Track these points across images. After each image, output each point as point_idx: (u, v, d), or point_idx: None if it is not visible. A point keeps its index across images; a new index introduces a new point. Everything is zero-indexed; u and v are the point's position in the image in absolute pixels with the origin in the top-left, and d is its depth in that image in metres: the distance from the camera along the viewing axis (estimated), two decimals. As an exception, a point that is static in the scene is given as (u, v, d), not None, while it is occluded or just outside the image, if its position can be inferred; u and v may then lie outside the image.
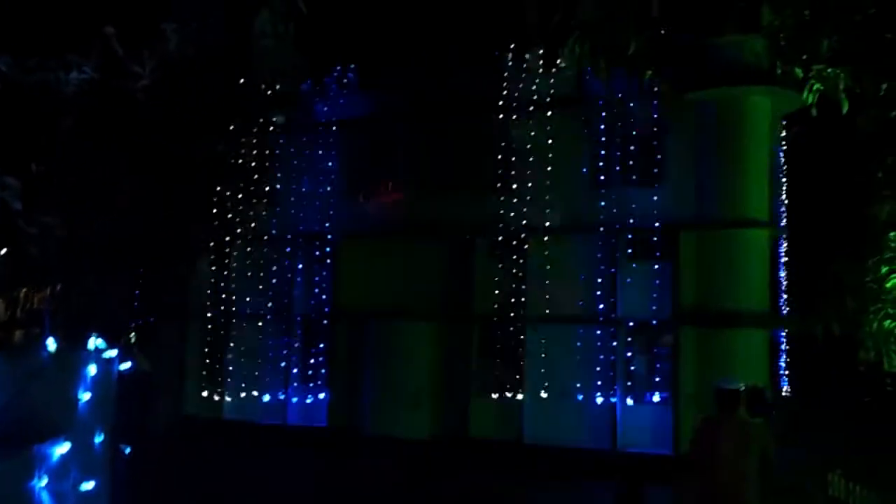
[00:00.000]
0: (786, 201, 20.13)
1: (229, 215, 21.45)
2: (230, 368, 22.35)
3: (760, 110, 18.14)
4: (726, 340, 17.70)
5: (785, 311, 19.81)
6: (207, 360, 22.48)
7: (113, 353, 6.07)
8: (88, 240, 9.15)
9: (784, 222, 19.89)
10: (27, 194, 7.68)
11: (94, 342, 5.79)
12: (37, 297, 21.01)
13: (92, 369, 5.66)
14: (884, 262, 8.21)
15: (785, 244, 20.02)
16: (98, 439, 5.84)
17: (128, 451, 6.99)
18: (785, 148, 20.29)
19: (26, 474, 4.90)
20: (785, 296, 19.92)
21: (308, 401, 21.61)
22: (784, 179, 20.21)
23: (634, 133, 18.90)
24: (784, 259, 20.00)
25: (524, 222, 19.46)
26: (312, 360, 21.79)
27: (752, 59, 17.34)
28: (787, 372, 19.90)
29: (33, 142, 8.30)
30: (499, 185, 19.82)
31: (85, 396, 5.58)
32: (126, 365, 6.68)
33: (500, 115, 19.98)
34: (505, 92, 20.01)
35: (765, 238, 18.22)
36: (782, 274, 19.89)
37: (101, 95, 8.29)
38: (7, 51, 7.80)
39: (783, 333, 19.99)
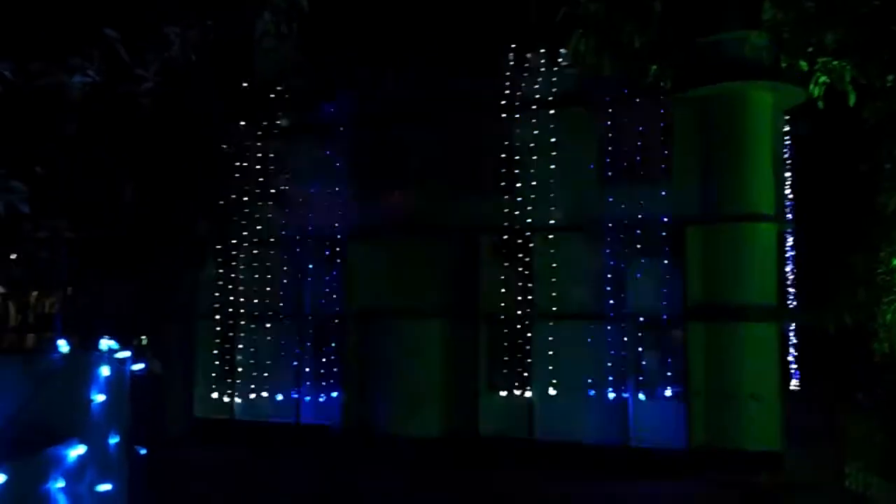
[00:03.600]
0: (792, 195, 20.09)
1: (238, 217, 21.50)
2: (241, 369, 22.41)
3: (763, 105, 18.11)
4: (735, 335, 17.70)
5: (793, 305, 19.77)
6: (218, 362, 22.56)
7: (126, 354, 6.10)
8: (96, 242, 9.19)
9: (791, 215, 19.85)
10: (34, 198, 7.68)
11: (106, 343, 5.81)
12: (47, 301, 21.12)
13: (105, 371, 5.69)
14: (894, 253, 8.18)
15: (792, 237, 19.98)
16: (113, 441, 5.87)
17: (143, 452, 7.02)
18: (790, 141, 20.24)
19: (42, 477, 4.93)
20: (793, 289, 19.88)
21: (321, 400, 21.65)
22: (790, 173, 20.17)
23: (639, 129, 18.89)
24: (792, 252, 19.95)
25: (530, 220, 19.51)
26: (324, 360, 21.83)
27: (753, 54, 17.31)
28: (796, 365, 19.86)
29: (38, 146, 8.31)
30: (504, 183, 19.86)
31: (98, 398, 5.61)
32: (139, 366, 6.72)
33: (506, 114, 20.01)
34: (509, 90, 20.03)
35: (771, 232, 18.19)
36: (790, 267, 19.85)
37: (105, 98, 8.30)
38: (10, 55, 7.80)
39: (792, 327, 19.96)
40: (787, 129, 20.17)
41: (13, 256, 8.29)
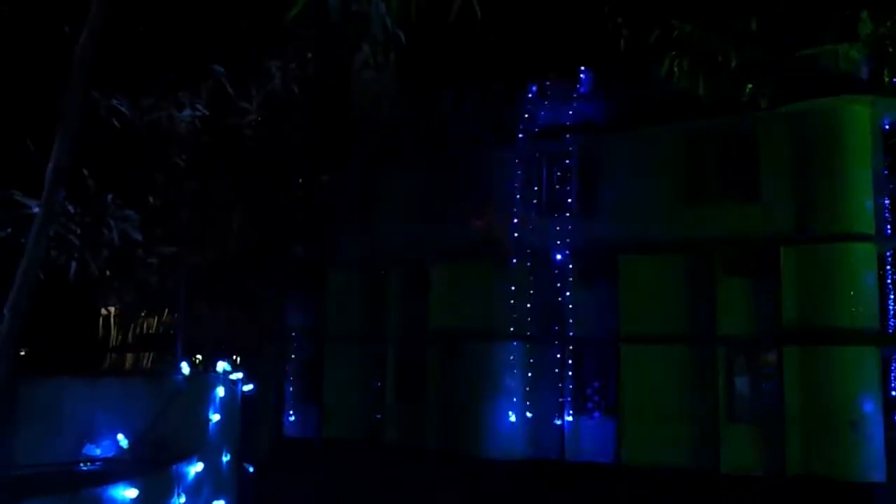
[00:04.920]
0: (894, 213, 19.26)
1: (332, 242, 22.03)
2: (328, 390, 22.82)
3: (860, 119, 17.53)
4: (833, 359, 17.06)
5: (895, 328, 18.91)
6: (305, 383, 23.06)
7: (238, 375, 6.35)
8: (204, 267, 9.61)
9: (892, 234, 19.02)
10: (146, 226, 8.11)
11: (222, 365, 6.06)
12: (146, 323, 22.02)
13: (220, 391, 5.94)
14: None
15: (893, 257, 19.14)
16: (225, 458, 6.11)
17: (251, 469, 7.27)
18: (892, 157, 19.44)
19: (167, 493, 5.18)
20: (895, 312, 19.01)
21: (405, 421, 21.86)
22: (891, 190, 19.36)
23: (729, 147, 18.54)
24: (894, 273, 19.10)
25: (618, 240, 19.37)
26: (407, 383, 22.03)
27: (849, 68, 16.81)
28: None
29: (151, 176, 8.77)
30: (592, 204, 19.78)
31: (215, 418, 5.86)
32: (248, 387, 6.98)
33: (590, 136, 19.97)
34: (595, 109, 20.00)
35: (871, 252, 17.50)
36: (892, 289, 19.00)
37: (213, 130, 8.71)
38: (125, 92, 8.30)
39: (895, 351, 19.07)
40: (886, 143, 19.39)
41: (127, 282, 8.74)
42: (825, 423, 16.95)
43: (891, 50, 7.73)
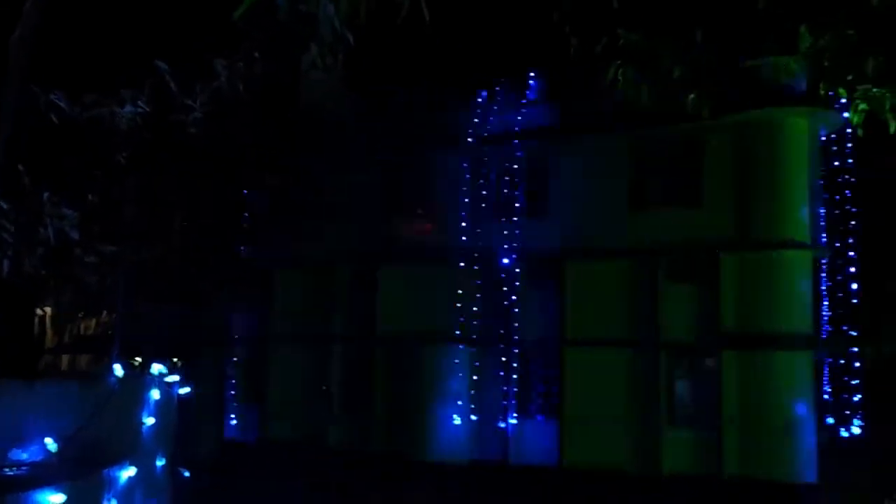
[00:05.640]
0: (829, 222, 19.87)
1: (274, 242, 21.77)
2: (272, 391, 22.54)
3: (798, 131, 18.03)
4: (769, 363, 17.50)
5: (827, 333, 19.49)
6: (248, 385, 22.73)
7: (175, 377, 6.22)
8: (142, 268, 9.40)
9: (826, 242, 19.63)
10: (85, 224, 7.91)
11: (157, 367, 5.93)
12: (84, 324, 21.43)
13: (155, 394, 5.81)
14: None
15: (829, 265, 19.74)
16: (160, 463, 5.98)
17: (187, 474, 7.12)
18: (828, 167, 20.07)
19: (97, 497, 5.03)
20: (829, 317, 19.59)
21: (352, 423, 21.73)
22: (828, 200, 19.98)
23: (674, 155, 18.90)
24: (827, 280, 19.69)
25: (562, 246, 19.55)
26: (352, 385, 21.92)
27: (789, 80, 17.25)
28: (831, 394, 19.53)
29: (90, 173, 8.57)
30: (539, 209, 19.93)
31: (149, 421, 5.72)
32: (185, 390, 6.84)
33: (538, 142, 20.13)
34: (543, 117, 20.18)
35: (807, 259, 18.02)
36: (825, 295, 19.58)
37: (155, 128, 8.55)
38: (64, 87, 8.10)
39: (827, 356, 19.66)
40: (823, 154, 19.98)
41: (64, 281, 8.52)
42: (761, 426, 17.37)
43: (827, 63, 7.98)
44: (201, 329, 21.26)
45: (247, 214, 17.46)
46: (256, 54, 8.85)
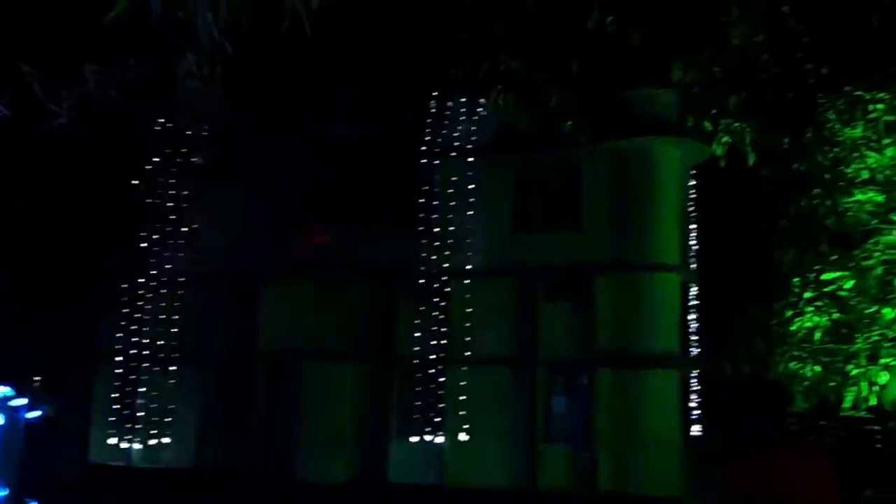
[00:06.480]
0: (696, 247, 20.95)
1: (149, 256, 20.89)
2: (141, 414, 21.52)
3: (671, 160, 18.95)
4: (639, 381, 18.18)
5: (695, 353, 20.47)
6: (116, 406, 21.58)
7: (21, 401, 5.80)
8: (1, 284, 8.80)
9: (694, 267, 20.67)
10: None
11: (1, 391, 5.51)
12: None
13: (-1, 419, 5.39)
14: (788, 306, 8.64)
15: (695, 288, 20.77)
16: (2, 493, 5.54)
17: (34, 504, 6.65)
18: (696, 196, 21.18)
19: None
20: (696, 337, 20.60)
21: (225, 444, 20.99)
22: (694, 226, 21.06)
23: (554, 180, 19.46)
24: (695, 302, 20.72)
25: (446, 265, 19.68)
26: (231, 404, 21.22)
27: (662, 111, 18.24)
28: (698, 410, 20.48)
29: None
30: (421, 228, 20.01)
31: (-8, 448, 5.29)
32: (35, 413, 6.40)
33: (424, 160, 20.25)
34: (429, 137, 20.32)
35: (676, 281, 18.89)
36: (693, 316, 20.58)
37: (16, 133, 8.06)
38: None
39: (694, 374, 20.62)
40: (692, 183, 21.07)
41: None
42: (633, 442, 17.99)
43: (694, 97, 8.44)
44: (67, 348, 20.05)
45: (116, 226, 16.63)
46: (131, 61, 8.51)
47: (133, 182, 17.41)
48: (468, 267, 19.59)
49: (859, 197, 8.15)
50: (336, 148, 20.55)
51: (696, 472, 18.47)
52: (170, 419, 21.20)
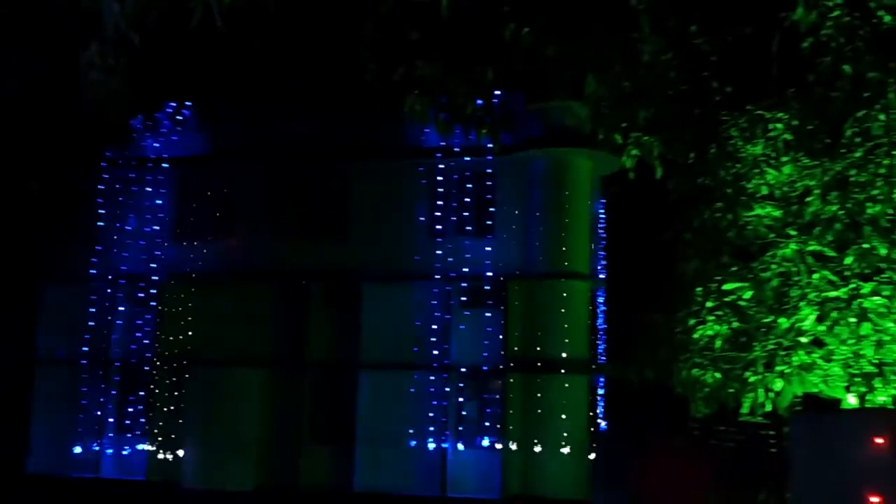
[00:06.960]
0: (605, 256, 21.46)
1: (43, 255, 19.96)
2: (36, 418, 20.53)
3: (582, 170, 19.36)
4: (549, 386, 18.48)
5: (603, 359, 20.96)
6: (10, 410, 20.53)
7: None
8: None
9: (603, 275, 21.16)
10: None
11: None
12: None
13: None
14: (691, 314, 8.89)
15: (603, 296, 21.27)
16: None
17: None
18: (605, 206, 21.70)
19: None
20: (603, 344, 21.09)
21: (125, 452, 20.25)
22: (604, 235, 21.57)
23: (469, 187, 19.60)
24: (603, 309, 21.21)
25: (359, 268, 19.54)
26: (131, 409, 20.47)
27: (575, 123, 18.59)
28: (604, 415, 20.96)
29: None
30: (335, 231, 19.81)
31: None
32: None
33: (340, 163, 20.07)
34: (342, 140, 20.14)
35: (585, 289, 19.29)
36: (601, 323, 21.07)
37: None
38: None
39: (602, 379, 21.10)
40: (602, 193, 21.57)
41: None
42: (543, 445, 18.25)
43: (604, 111, 8.63)
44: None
45: (7, 224, 15.82)
46: (32, 51, 8.14)
47: (29, 178, 16.60)
48: (382, 270, 19.52)
49: (758, 211, 8.46)
50: (250, 147, 20.16)
51: (601, 475, 18.87)
52: (68, 425, 20.31)
